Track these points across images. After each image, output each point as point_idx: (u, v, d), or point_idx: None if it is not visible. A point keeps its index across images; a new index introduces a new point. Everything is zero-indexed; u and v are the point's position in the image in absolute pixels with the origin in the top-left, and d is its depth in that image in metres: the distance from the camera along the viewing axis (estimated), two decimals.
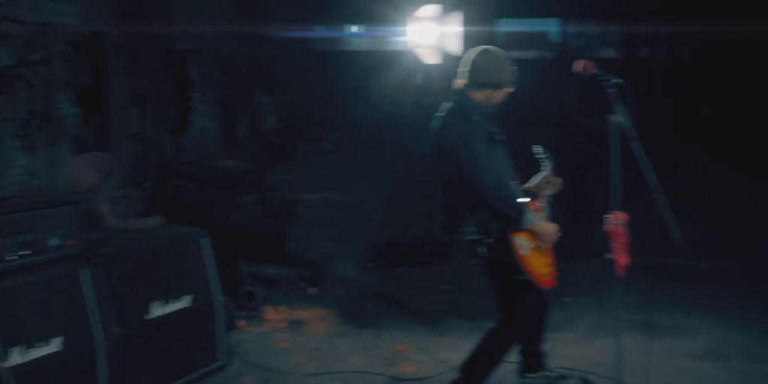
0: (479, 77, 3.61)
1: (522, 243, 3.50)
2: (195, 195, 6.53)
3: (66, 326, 3.38)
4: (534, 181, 3.86)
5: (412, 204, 6.98)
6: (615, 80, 3.65)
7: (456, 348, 4.38)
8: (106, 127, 5.65)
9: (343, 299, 5.59)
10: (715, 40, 11.64)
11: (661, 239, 4.44)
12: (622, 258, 3.67)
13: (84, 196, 4.15)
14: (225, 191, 6.79)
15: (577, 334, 4.80)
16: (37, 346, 3.27)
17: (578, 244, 5.64)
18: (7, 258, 3.31)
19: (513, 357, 3.77)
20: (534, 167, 3.95)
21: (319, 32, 10.61)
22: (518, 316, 3.52)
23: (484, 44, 3.83)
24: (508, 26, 12.91)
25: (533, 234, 3.52)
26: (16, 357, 3.18)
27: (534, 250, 3.53)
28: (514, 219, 3.45)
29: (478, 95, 3.62)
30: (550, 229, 3.55)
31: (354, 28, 10.95)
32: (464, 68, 3.67)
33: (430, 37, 6.97)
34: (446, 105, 3.64)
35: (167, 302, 3.89)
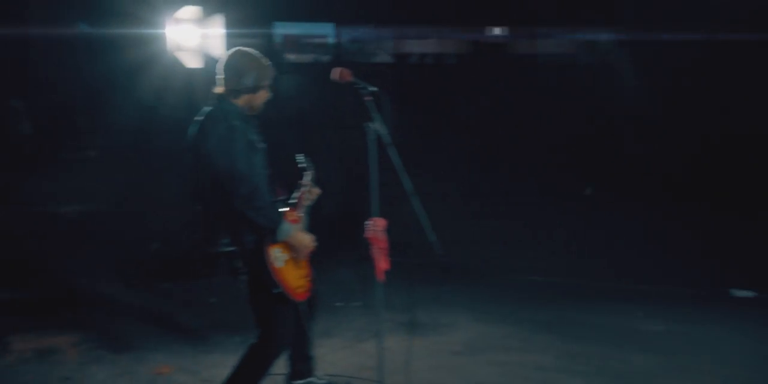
0: (234, 82, 3.48)
1: (277, 255, 3.41)
2: None
3: None
4: (296, 192, 3.78)
5: (178, 214, 6.68)
6: (371, 88, 3.67)
7: (224, 365, 4.19)
8: None
9: (101, 321, 5.19)
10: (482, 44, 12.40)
11: (420, 240, 4.60)
12: (382, 263, 3.71)
13: None
14: None
15: (346, 338, 4.83)
16: None
17: (348, 248, 5.71)
18: None
19: (279, 369, 3.69)
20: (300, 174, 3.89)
21: (82, 32, 9.89)
22: (275, 330, 3.43)
23: (255, 48, 3.68)
24: (284, 30, 12.80)
25: (289, 245, 3.45)
26: None
27: (289, 262, 3.46)
28: (270, 230, 3.36)
29: (238, 100, 3.48)
30: (306, 240, 3.50)
31: (117, 28, 10.33)
32: (220, 73, 3.52)
33: (190, 39, 6.69)
34: (206, 109, 3.46)
35: None
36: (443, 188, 7.97)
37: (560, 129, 10.78)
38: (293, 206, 3.67)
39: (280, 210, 3.48)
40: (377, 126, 3.66)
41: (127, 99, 9.87)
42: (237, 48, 3.62)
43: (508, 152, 9.78)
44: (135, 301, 5.60)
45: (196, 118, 3.46)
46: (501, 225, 7.51)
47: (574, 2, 11.58)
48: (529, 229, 7.51)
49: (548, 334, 4.94)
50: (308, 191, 3.79)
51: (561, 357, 4.54)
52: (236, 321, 5.02)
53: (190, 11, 6.74)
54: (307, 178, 3.83)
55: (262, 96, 3.54)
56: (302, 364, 3.87)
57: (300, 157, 3.87)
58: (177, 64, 6.90)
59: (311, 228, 3.68)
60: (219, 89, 3.52)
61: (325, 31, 13.93)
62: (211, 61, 7.34)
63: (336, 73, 3.58)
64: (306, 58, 12.91)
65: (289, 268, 3.45)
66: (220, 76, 3.53)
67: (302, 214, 3.71)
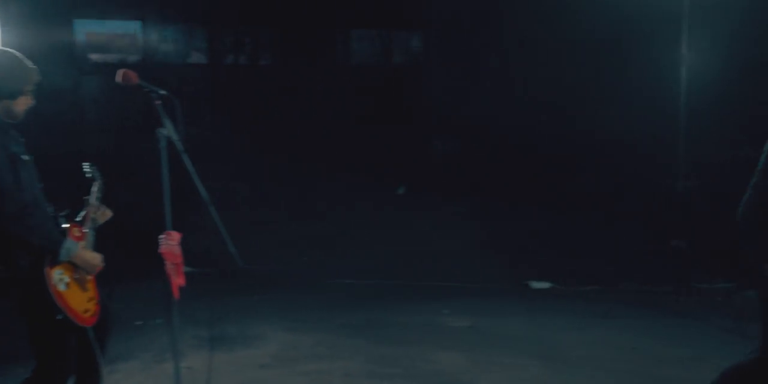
0: None
1: (58, 277, 3.12)
2: None
3: None
4: (85, 205, 3.49)
5: None
6: (161, 92, 3.45)
7: None
8: None
9: None
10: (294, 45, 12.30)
11: (225, 249, 4.44)
12: (177, 279, 3.53)
13: None
14: None
15: (145, 360, 4.56)
16: None
17: (145, 263, 5.40)
18: None
19: None
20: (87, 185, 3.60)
21: None
22: (53, 362, 3.13)
23: (51, 47, 3.30)
24: (86, 27, 12.01)
25: (73, 266, 3.18)
26: None
27: (72, 285, 3.18)
28: (49, 251, 3.07)
29: None
30: (93, 259, 3.22)
31: None
32: None
33: None
34: None
35: None
36: (248, 193, 7.85)
37: (373, 129, 10.97)
38: (77, 222, 3.39)
39: (61, 226, 3.20)
40: (169, 131, 3.46)
41: None
42: None
43: (321, 154, 9.81)
44: None
45: None
46: (311, 229, 7.48)
47: (385, 4, 11.81)
48: (340, 232, 7.55)
49: (358, 339, 4.95)
50: (96, 207, 3.52)
51: (370, 361, 4.56)
52: (18, 350, 4.60)
53: None
54: (95, 188, 3.56)
55: (23, 102, 3.17)
56: None
57: (87, 166, 3.59)
58: None
59: (99, 244, 3.42)
60: None
61: (131, 30, 13.26)
62: None
63: (120, 75, 3.29)
64: (111, 57, 12.21)
65: (73, 291, 3.16)
66: None
67: (87, 230, 3.43)
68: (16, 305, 3.12)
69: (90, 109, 11.16)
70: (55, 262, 3.09)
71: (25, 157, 3.17)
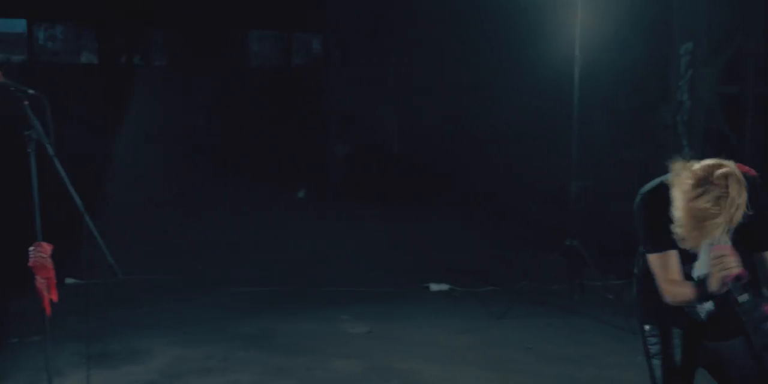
0: None
1: None
2: None
3: None
4: None
5: None
6: (30, 91, 3.23)
7: None
8: None
9: None
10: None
11: (104, 261, 4.19)
12: (49, 294, 3.31)
13: None
14: None
15: (19, 381, 4.26)
16: None
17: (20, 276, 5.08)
18: None
19: None
20: None
21: None
22: None
23: None
24: None
25: None
26: None
27: None
28: None
29: None
30: None
31: None
32: None
33: None
34: None
35: None
36: (142, 197, 7.55)
37: (273, 131, 10.79)
38: None
39: None
40: (38, 134, 3.24)
41: None
42: None
43: (218, 157, 9.57)
44: None
45: None
46: (207, 235, 7.23)
47: (285, 6, 11.65)
48: (237, 238, 7.33)
49: (252, 350, 4.78)
50: None
51: (264, 373, 4.40)
52: None
53: None
54: None
55: None
56: None
57: None
58: None
59: None
60: None
61: (16, 28, 12.70)
62: None
63: None
64: None
65: None
66: None
67: None
68: None
69: None
70: None
71: None
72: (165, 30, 13.12)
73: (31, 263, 3.28)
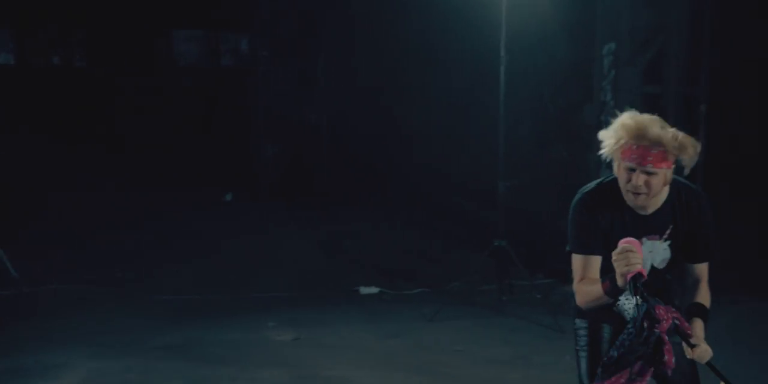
0: None
1: None
2: None
3: None
4: None
5: None
6: None
7: None
8: None
9: None
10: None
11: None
12: None
13: None
14: None
15: None
16: None
17: None
18: None
19: None
20: None
21: None
22: None
23: None
24: None
25: None
26: None
27: None
28: None
29: None
30: None
31: None
32: None
33: None
34: None
35: None
36: (60, 203, 7.24)
37: (200, 132, 10.53)
38: None
39: None
40: None
41: None
42: None
43: (143, 159, 9.25)
44: None
45: None
46: (128, 241, 6.96)
47: (210, 4, 11.39)
48: (161, 243, 7.07)
49: (175, 360, 4.59)
50: None
51: None
52: None
53: None
54: None
55: None
56: None
57: None
58: None
59: None
60: None
61: None
62: None
63: None
64: None
65: None
66: None
67: None
68: None
69: None
70: None
71: None
72: (86, 29, 12.68)
73: None
